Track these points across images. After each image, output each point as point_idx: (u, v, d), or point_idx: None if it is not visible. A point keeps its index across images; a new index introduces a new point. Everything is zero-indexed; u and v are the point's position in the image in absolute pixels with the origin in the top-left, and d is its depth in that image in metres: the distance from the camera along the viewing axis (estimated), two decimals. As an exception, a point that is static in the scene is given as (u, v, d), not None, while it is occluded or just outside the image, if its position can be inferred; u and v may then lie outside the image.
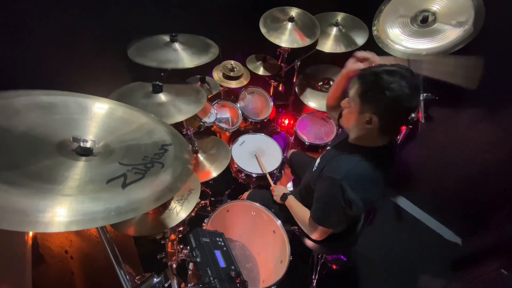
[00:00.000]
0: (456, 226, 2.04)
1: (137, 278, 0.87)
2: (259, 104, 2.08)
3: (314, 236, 1.13)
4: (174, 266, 0.97)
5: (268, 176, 1.59)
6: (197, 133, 1.64)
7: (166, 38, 1.34)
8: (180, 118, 1.14)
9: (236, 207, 1.36)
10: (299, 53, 1.89)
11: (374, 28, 1.61)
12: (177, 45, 1.32)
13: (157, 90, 1.18)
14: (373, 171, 0.93)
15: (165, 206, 1.04)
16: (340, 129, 1.94)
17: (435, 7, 1.41)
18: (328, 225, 1.05)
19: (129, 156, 0.64)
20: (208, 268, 0.89)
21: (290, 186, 2.01)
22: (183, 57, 1.29)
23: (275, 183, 1.81)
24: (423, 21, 1.43)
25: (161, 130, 0.77)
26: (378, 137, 0.95)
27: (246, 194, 1.59)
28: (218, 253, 0.98)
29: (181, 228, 1.15)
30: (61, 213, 0.45)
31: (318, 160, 1.19)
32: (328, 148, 1.25)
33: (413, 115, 1.54)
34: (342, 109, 1.01)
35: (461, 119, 1.72)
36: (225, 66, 1.91)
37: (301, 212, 1.20)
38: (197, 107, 1.22)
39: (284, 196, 1.30)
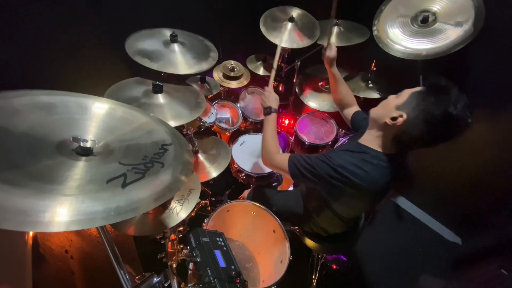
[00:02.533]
0: (456, 226, 2.04)
1: (137, 278, 0.87)
2: (259, 104, 2.08)
3: (268, 163, 1.12)
4: (174, 266, 0.97)
5: (272, 74, 1.42)
6: (197, 133, 1.63)
7: (166, 33, 1.33)
8: (177, 123, 1.14)
9: (236, 207, 1.36)
10: (299, 53, 1.89)
11: (374, 28, 1.61)
12: (176, 47, 1.30)
13: (157, 90, 1.18)
14: (377, 174, 0.90)
15: (165, 206, 1.04)
16: (340, 129, 1.94)
17: (435, 7, 1.41)
18: (291, 165, 1.00)
19: (129, 156, 0.65)
20: (208, 268, 0.89)
21: (290, 188, 2.01)
22: (182, 62, 1.28)
23: (275, 184, 1.80)
24: (424, 21, 1.43)
25: (161, 130, 0.77)
26: (389, 143, 0.91)
27: (246, 192, 1.59)
28: (218, 253, 0.97)
29: (181, 228, 1.15)
30: (61, 213, 0.45)
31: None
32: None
33: None
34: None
35: (461, 119, 1.72)
36: (225, 66, 1.91)
37: (274, 135, 1.16)
38: (195, 113, 1.22)
39: (269, 110, 1.21)
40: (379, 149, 0.94)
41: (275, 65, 1.42)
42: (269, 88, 1.31)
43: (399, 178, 0.99)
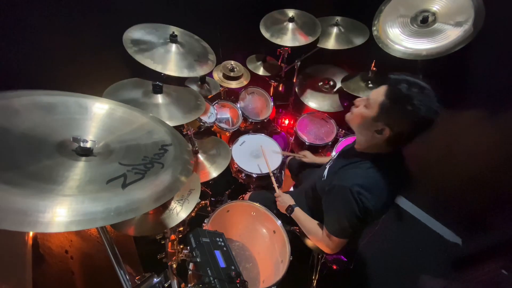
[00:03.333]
0: (456, 226, 2.04)
1: (137, 278, 0.87)
2: (259, 104, 2.08)
3: (330, 249, 1.07)
4: (174, 266, 0.97)
5: (272, 178, 1.54)
6: (197, 133, 1.64)
7: (166, 31, 1.33)
8: (176, 123, 1.14)
9: (236, 207, 1.36)
10: (299, 53, 1.89)
11: (374, 28, 1.62)
12: (174, 48, 1.30)
13: (157, 90, 1.18)
14: (382, 177, 0.92)
15: (165, 206, 1.04)
16: (340, 129, 1.94)
17: (435, 7, 1.41)
18: (344, 235, 1.00)
19: (129, 156, 0.64)
20: (208, 268, 0.89)
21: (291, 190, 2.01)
22: (180, 66, 1.27)
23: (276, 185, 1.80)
24: (423, 21, 1.43)
25: (161, 130, 0.77)
26: (384, 146, 0.93)
27: (248, 195, 1.59)
28: (218, 253, 0.97)
29: (181, 228, 1.15)
30: (61, 213, 0.45)
31: (326, 170, 1.15)
32: (335, 157, 1.21)
33: None
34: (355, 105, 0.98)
35: (461, 119, 1.72)
36: (225, 66, 1.91)
37: (310, 225, 1.16)
38: (194, 114, 1.23)
39: (291, 209, 1.24)
40: (378, 151, 0.95)
41: (271, 173, 1.56)
42: (278, 193, 1.35)
43: (406, 177, 1.01)
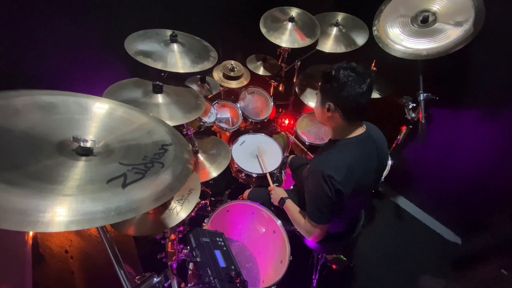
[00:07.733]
0: (456, 226, 2.04)
1: (137, 278, 0.87)
2: (259, 104, 2.08)
3: (313, 236, 1.12)
4: (174, 266, 0.97)
5: (268, 176, 1.59)
6: (197, 133, 1.64)
7: (166, 34, 1.33)
8: (176, 123, 1.14)
9: (236, 207, 1.36)
10: (299, 53, 1.89)
11: (374, 28, 1.62)
12: (175, 47, 1.30)
13: (157, 90, 1.18)
14: (353, 158, 1.01)
15: (165, 206, 1.04)
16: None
17: (435, 7, 1.41)
18: (323, 220, 1.06)
19: (129, 156, 0.64)
20: (208, 268, 0.89)
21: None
22: (182, 62, 1.27)
23: (276, 185, 1.81)
24: (424, 21, 1.43)
25: (161, 130, 0.77)
26: (348, 125, 1.04)
27: (246, 192, 1.59)
28: (218, 253, 0.97)
29: (181, 228, 1.15)
30: (61, 213, 0.45)
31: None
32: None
33: (413, 114, 1.54)
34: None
35: (461, 119, 1.72)
36: (225, 66, 1.91)
37: (296, 214, 1.21)
38: (194, 114, 1.23)
39: (282, 201, 1.30)
40: (347, 136, 1.05)
41: (267, 173, 1.62)
42: (271, 187, 1.44)
43: (381, 155, 1.10)
